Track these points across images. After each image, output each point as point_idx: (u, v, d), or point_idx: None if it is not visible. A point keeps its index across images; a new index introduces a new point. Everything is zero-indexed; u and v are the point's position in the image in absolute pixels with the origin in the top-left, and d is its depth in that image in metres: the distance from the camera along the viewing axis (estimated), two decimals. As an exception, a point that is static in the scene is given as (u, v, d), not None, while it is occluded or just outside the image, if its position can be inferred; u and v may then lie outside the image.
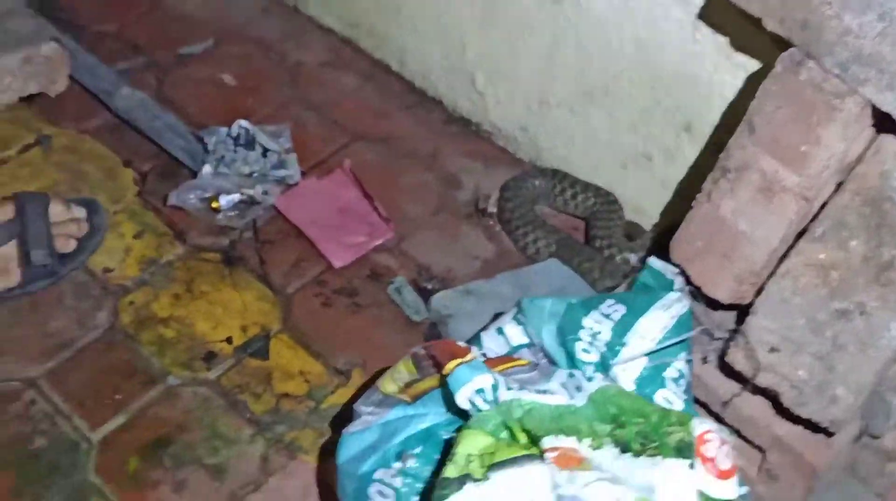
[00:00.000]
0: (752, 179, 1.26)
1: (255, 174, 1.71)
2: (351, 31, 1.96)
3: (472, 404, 1.19)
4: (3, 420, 1.44)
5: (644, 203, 1.67)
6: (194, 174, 1.72)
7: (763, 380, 1.25)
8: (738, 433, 1.33)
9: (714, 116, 1.49)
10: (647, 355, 1.29)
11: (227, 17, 2.01)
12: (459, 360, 1.21)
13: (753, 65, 1.41)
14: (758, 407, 1.30)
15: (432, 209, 1.74)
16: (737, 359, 1.28)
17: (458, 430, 1.19)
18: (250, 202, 1.68)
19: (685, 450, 1.12)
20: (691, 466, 1.10)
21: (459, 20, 1.75)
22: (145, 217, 1.69)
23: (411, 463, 1.23)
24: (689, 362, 1.31)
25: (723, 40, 1.41)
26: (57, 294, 1.58)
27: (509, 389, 1.19)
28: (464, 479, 1.11)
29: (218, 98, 1.87)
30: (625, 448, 1.13)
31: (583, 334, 1.30)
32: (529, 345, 1.34)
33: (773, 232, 1.27)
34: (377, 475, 1.23)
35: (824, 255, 1.24)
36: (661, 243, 1.61)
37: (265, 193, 1.68)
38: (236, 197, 1.67)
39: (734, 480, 1.12)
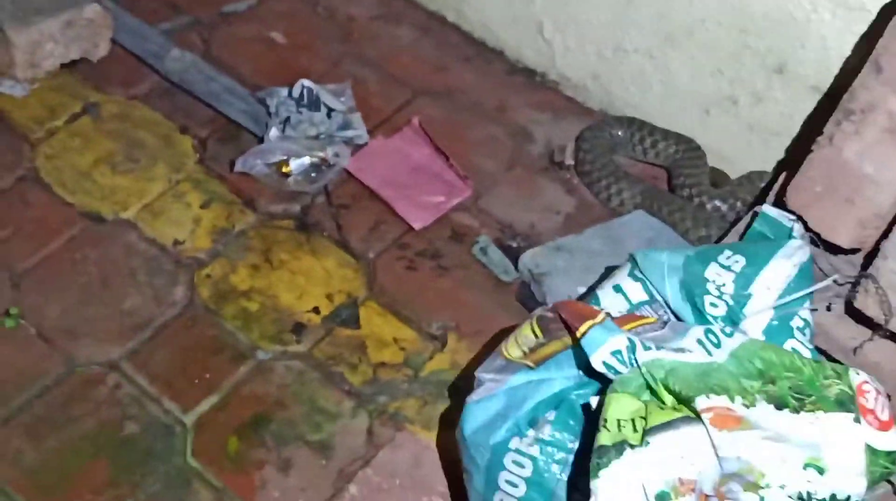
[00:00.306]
0: (879, 121, 1.22)
1: (322, 136, 1.64)
2: (401, -18, 1.88)
3: (609, 366, 1.15)
4: (89, 407, 1.38)
5: (728, 149, 1.62)
6: (257, 138, 1.64)
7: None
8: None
9: (811, 56, 1.43)
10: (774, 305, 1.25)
11: (268, -28, 1.91)
12: (592, 321, 1.17)
13: (854, 1, 1.36)
14: (885, 353, 1.27)
15: (505, 164, 1.68)
16: (868, 305, 1.24)
17: (601, 393, 1.15)
18: (321, 165, 1.61)
19: (847, 403, 1.08)
20: (856, 420, 1.06)
21: (524, -35, 1.68)
22: (210, 185, 1.61)
23: (547, 431, 1.18)
24: (813, 310, 1.27)
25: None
26: (129, 270, 1.51)
27: (647, 349, 1.14)
28: (621, 446, 1.07)
29: (269, 57, 1.79)
30: (780, 405, 1.09)
31: (710, 287, 1.25)
32: (650, 302, 1.29)
33: (905, 173, 1.23)
34: (512, 444, 1.18)
35: (959, 196, 1.20)
36: (753, 189, 1.58)
37: (336, 155, 1.61)
38: (307, 160, 1.60)
39: (895, 430, 1.09)
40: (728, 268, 1.27)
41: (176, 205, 1.58)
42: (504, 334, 1.27)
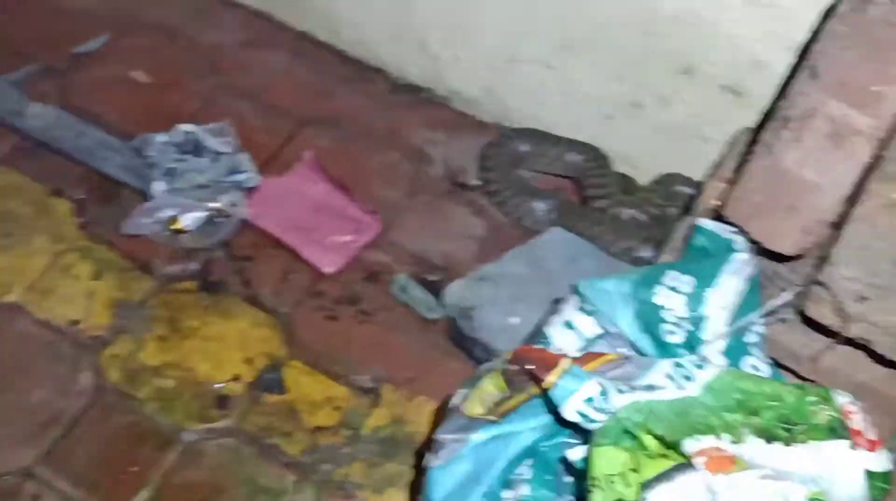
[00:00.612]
0: (818, 126, 1.19)
1: (211, 183, 1.51)
2: (266, 3, 1.75)
3: (583, 416, 1.09)
4: (6, 526, 1.24)
5: (634, 153, 1.58)
6: (141, 194, 1.50)
7: (854, 331, 1.21)
8: (812, 382, 1.29)
9: (721, 57, 1.41)
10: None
11: (117, 4, 1.75)
12: (559, 369, 1.11)
13: (765, -1, 1.34)
14: (840, 358, 1.26)
15: (408, 191, 1.60)
16: (823, 313, 1.22)
17: (574, 441, 1.09)
18: (216, 217, 1.49)
19: (839, 429, 1.05)
20: (852, 446, 1.05)
21: (402, -21, 1.59)
22: (98, 252, 1.47)
23: (525, 492, 1.12)
24: (766, 324, 1.25)
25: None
26: (25, 360, 1.36)
27: (621, 392, 1.09)
28: (606, 479, 1.02)
29: (135, 100, 1.64)
30: (770, 438, 1.06)
31: (664, 314, 1.21)
32: (605, 335, 1.24)
33: (844, 178, 1.21)
34: (491, 511, 1.12)
35: (899, 195, 1.20)
36: (666, 194, 1.56)
37: (233, 204, 1.49)
38: (201, 214, 1.48)
39: (884, 449, 1.07)
40: (676, 290, 1.24)
41: (64, 280, 1.43)
42: (440, 377, 1.21)
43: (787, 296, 1.23)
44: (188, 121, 1.55)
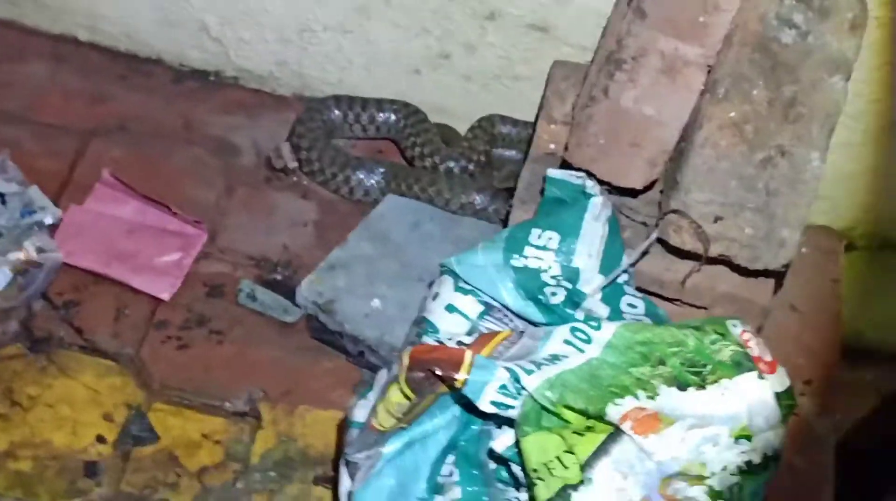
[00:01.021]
0: (652, 63, 1.20)
1: (5, 230, 1.35)
2: (9, 10, 1.56)
3: (498, 405, 1.07)
4: None
5: (448, 103, 1.54)
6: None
7: (716, 250, 1.24)
8: (679, 301, 1.32)
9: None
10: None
11: None
12: (466, 364, 1.07)
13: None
14: (700, 276, 1.29)
15: (222, 188, 1.49)
16: (685, 240, 1.25)
17: (505, 433, 1.07)
18: (26, 268, 1.33)
19: (743, 361, 1.08)
20: (760, 375, 1.07)
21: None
22: None
23: (457, 495, 1.09)
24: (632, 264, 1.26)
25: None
26: None
27: (529, 372, 1.08)
28: (564, 492, 1.01)
29: None
30: (682, 385, 1.08)
31: (543, 277, 1.20)
32: (489, 310, 1.21)
33: (682, 108, 1.23)
34: (429, 521, 1.08)
35: (734, 113, 1.22)
36: (488, 138, 1.53)
37: (40, 249, 1.33)
38: (6, 268, 1.32)
39: (781, 367, 1.11)
40: (545, 248, 1.22)
41: None
42: (316, 380, 1.24)
43: (653, 236, 1.24)
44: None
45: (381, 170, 1.49)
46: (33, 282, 1.34)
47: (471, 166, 1.50)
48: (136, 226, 1.41)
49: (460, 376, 1.06)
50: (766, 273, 1.28)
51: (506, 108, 1.52)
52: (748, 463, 1.04)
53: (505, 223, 1.44)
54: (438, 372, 1.07)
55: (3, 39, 1.56)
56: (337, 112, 1.53)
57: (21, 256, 1.33)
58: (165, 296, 1.37)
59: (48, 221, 1.38)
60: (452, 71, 1.50)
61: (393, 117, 1.53)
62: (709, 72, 1.20)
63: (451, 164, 1.50)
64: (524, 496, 1.07)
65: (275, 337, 1.37)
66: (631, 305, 1.24)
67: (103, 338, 1.33)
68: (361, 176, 1.49)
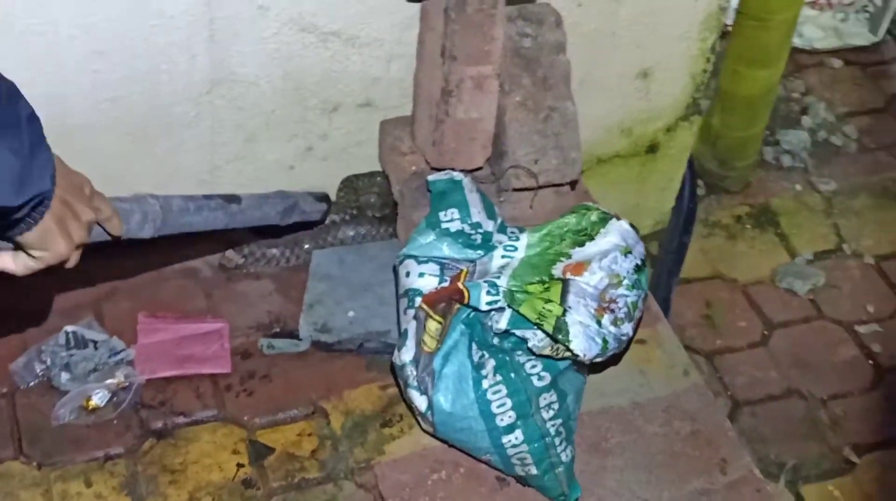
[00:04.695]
0: (468, 86, 1.93)
1: (99, 366, 1.86)
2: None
3: (491, 303, 1.73)
4: None
5: (315, 182, 2.18)
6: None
7: (542, 180, 1.99)
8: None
9: (350, 84, 2.07)
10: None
11: None
12: (460, 284, 1.73)
13: None
14: (536, 199, 2.03)
15: (203, 295, 2.04)
16: (523, 182, 1.99)
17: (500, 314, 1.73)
18: (116, 390, 1.83)
19: (606, 214, 1.83)
20: (617, 218, 1.83)
21: None
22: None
23: (491, 364, 1.72)
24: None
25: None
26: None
27: (498, 278, 1.75)
28: (561, 320, 1.67)
29: None
30: (581, 243, 1.80)
31: (467, 231, 1.88)
32: (445, 267, 1.86)
33: (491, 106, 1.97)
34: (484, 386, 1.71)
35: (518, 97, 1.98)
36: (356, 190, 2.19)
37: (128, 376, 1.84)
38: (105, 391, 1.81)
39: (621, 217, 1.87)
40: (452, 219, 1.91)
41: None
42: (340, 373, 1.86)
43: (508, 187, 1.97)
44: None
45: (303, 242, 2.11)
46: (127, 398, 1.83)
47: (351, 213, 2.16)
48: (180, 338, 1.94)
49: (465, 294, 1.72)
50: (571, 184, 2.05)
51: (356, 168, 2.19)
52: (636, 266, 1.79)
53: (394, 234, 2.12)
54: (445, 300, 1.73)
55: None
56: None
57: (115, 381, 1.83)
58: (228, 369, 1.92)
59: (130, 357, 1.89)
60: (314, 156, 2.15)
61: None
62: (498, 78, 1.96)
63: (336, 218, 2.15)
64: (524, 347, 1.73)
65: (299, 363, 1.95)
66: (512, 231, 1.95)
67: (197, 411, 1.85)
68: (289, 249, 2.10)
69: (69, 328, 1.87)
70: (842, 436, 2.37)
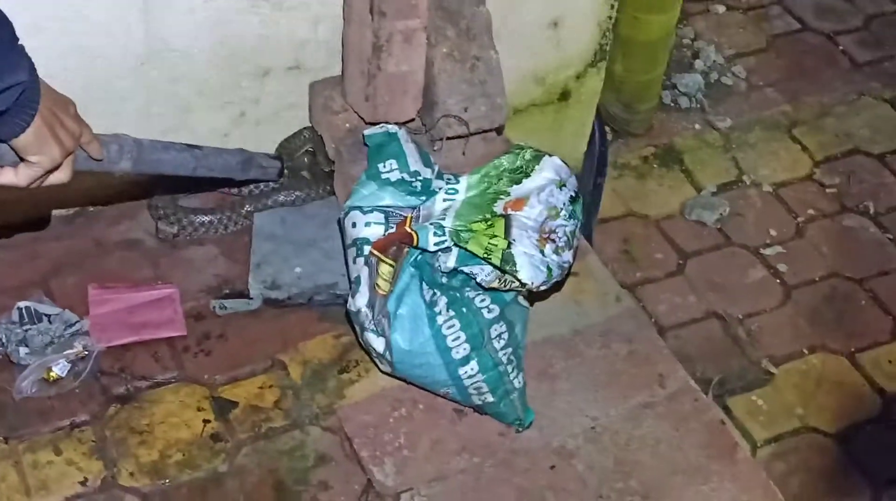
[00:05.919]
0: (397, 39, 1.99)
1: (56, 339, 1.89)
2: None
3: (438, 243, 1.82)
4: None
5: (251, 146, 2.23)
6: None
7: (473, 127, 2.08)
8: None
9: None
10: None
11: None
12: (408, 228, 1.82)
13: None
14: (468, 147, 2.13)
15: (151, 265, 2.08)
16: (456, 131, 2.07)
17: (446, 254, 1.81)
18: (76, 360, 1.86)
19: (537, 154, 1.93)
20: (549, 155, 1.93)
21: None
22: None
23: (443, 300, 1.81)
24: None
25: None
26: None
27: (443, 220, 1.84)
28: (507, 252, 1.76)
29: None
30: (518, 181, 1.90)
31: (408, 179, 1.95)
32: (390, 214, 1.93)
33: (420, 58, 2.04)
34: (438, 322, 1.80)
35: (445, 49, 2.05)
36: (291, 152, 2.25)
37: (86, 346, 1.87)
38: (64, 361, 1.85)
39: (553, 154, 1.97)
40: (391, 170, 1.98)
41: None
42: (296, 325, 1.95)
43: (441, 137, 2.05)
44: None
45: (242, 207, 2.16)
46: (87, 367, 1.87)
47: (301, 177, 2.21)
48: (133, 306, 1.98)
49: (413, 237, 1.80)
50: (498, 130, 2.15)
51: (289, 131, 2.24)
52: (571, 197, 1.90)
53: (331, 192, 2.19)
54: (395, 243, 1.81)
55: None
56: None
57: (74, 351, 1.86)
58: (183, 332, 1.97)
59: (84, 329, 1.92)
60: (248, 122, 2.19)
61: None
62: (425, 31, 2.04)
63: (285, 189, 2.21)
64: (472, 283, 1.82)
65: (253, 321, 2.01)
66: (449, 177, 2.04)
67: (158, 373, 1.90)
68: (226, 215, 2.15)
69: (21, 304, 1.90)
70: (760, 350, 2.53)
